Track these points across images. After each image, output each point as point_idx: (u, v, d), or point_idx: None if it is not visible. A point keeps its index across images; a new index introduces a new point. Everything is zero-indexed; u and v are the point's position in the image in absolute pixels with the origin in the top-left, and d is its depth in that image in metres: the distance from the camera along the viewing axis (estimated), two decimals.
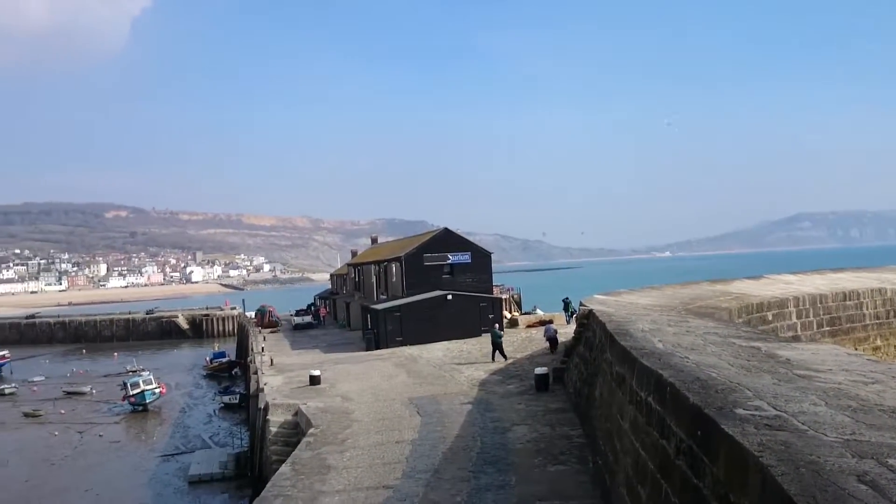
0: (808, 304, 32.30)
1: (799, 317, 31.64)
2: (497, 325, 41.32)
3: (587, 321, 23.68)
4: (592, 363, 20.32)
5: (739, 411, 7.15)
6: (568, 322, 46.27)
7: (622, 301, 25.99)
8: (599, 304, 24.45)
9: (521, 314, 65.33)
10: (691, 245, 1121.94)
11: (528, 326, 50.03)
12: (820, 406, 7.49)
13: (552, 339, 37.21)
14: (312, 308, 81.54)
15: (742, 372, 9.79)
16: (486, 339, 45.78)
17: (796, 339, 28.40)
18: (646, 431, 9.94)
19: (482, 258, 56.17)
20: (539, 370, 28.73)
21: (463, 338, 46.18)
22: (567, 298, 50.47)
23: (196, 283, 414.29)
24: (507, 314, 55.96)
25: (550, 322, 40.95)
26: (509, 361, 35.88)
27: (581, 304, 27.55)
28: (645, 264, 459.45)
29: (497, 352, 37.10)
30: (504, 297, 71.54)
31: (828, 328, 32.66)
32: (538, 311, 68.67)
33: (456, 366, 36.25)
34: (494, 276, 58.98)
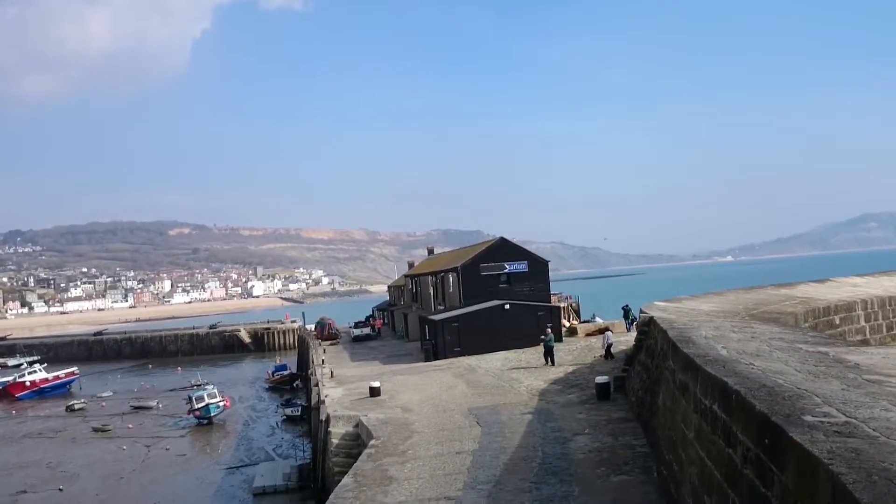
0: (876, 307, 31.38)
1: (867, 320, 30.74)
2: (549, 331, 41.12)
3: (648, 328, 23.36)
4: (654, 371, 20.04)
5: (808, 418, 6.97)
6: (628, 329, 45.81)
7: (683, 307, 25.57)
8: (660, 310, 24.09)
9: (580, 322, 64.88)
10: (754, 249, 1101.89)
11: (588, 335, 49.61)
12: (892, 412, 7.26)
13: (608, 346, 37.16)
14: (371, 320, 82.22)
15: (809, 378, 9.56)
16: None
17: (865, 343, 27.64)
18: (711, 440, 9.78)
19: (539, 267, 55.91)
20: (600, 379, 28.44)
21: (521, 347, 45.97)
22: (627, 306, 50.02)
23: (257, 297, 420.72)
24: (565, 323, 55.59)
25: (608, 329, 40.67)
26: (569, 371, 35.64)
27: (641, 312, 27.23)
28: (706, 269, 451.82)
29: (548, 356, 37.67)
30: (562, 305, 71.17)
31: None
32: (598, 318, 68.18)
33: (515, 376, 36.11)
34: (552, 285, 58.68)
